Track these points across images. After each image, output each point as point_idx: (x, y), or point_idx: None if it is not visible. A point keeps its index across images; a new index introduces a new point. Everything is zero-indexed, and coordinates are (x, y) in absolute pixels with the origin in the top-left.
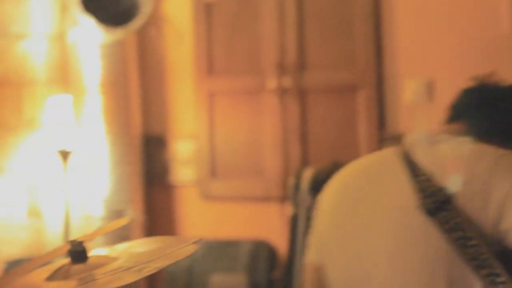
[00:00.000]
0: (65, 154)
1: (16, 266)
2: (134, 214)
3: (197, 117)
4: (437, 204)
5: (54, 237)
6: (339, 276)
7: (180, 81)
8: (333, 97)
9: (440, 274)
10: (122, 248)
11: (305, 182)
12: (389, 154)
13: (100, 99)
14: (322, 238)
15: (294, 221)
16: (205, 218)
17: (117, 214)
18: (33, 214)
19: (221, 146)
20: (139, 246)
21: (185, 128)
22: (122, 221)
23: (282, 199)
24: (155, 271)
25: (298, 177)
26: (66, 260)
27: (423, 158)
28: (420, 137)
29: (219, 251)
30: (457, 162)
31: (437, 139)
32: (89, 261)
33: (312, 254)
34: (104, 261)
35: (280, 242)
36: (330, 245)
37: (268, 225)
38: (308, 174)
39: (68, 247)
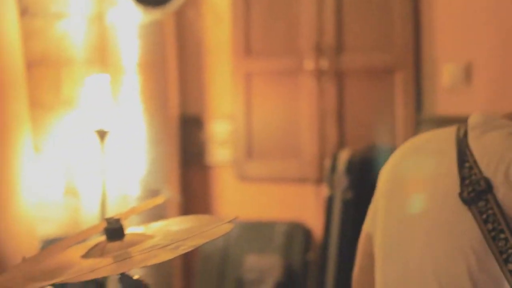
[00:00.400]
0: (102, 134)
1: (52, 244)
2: (170, 194)
3: (234, 98)
4: (475, 194)
5: (90, 216)
6: (379, 248)
7: (218, 61)
8: (371, 79)
9: (470, 264)
10: (158, 226)
11: (341, 164)
12: (446, 135)
13: (138, 79)
14: (375, 209)
15: (330, 203)
16: (240, 199)
17: (153, 194)
18: (69, 193)
19: (258, 127)
20: (175, 224)
21: (222, 109)
22: (158, 200)
23: (318, 180)
24: (190, 249)
25: (335, 158)
26: (102, 238)
27: (472, 144)
28: (477, 120)
29: (254, 232)
30: (502, 152)
31: (494, 124)
32: (125, 238)
33: (366, 223)
34: (140, 239)
35: (315, 223)
36: (378, 217)
37: (304, 207)
38: (344, 156)
39: (104, 224)
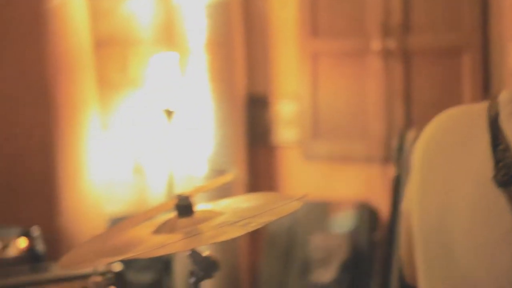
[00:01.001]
0: (169, 113)
1: (119, 223)
2: (236, 173)
3: (300, 78)
4: (509, 177)
5: (156, 195)
6: (418, 229)
7: (284, 41)
8: (438, 59)
9: (508, 249)
10: (226, 203)
11: (408, 144)
12: (478, 112)
13: (205, 59)
14: (412, 188)
15: (396, 183)
16: (306, 179)
17: (219, 173)
18: (136, 172)
19: (324, 107)
20: (244, 201)
21: (288, 89)
22: (227, 177)
23: (385, 160)
24: (260, 226)
25: (402, 138)
26: (173, 214)
27: (505, 124)
28: (509, 98)
29: (320, 212)
30: None
31: None
32: (195, 215)
33: (405, 203)
34: (209, 216)
35: (381, 203)
36: (414, 194)
37: (370, 186)
38: (411, 136)
39: (175, 201)
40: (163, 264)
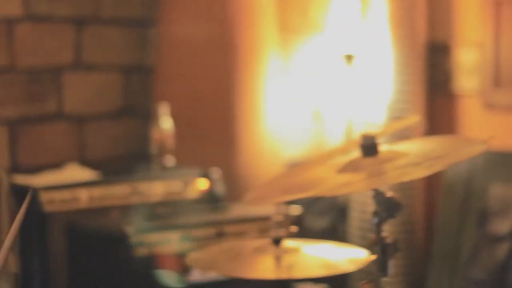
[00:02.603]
0: (349, 58)
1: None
2: (416, 120)
3: (483, 25)
4: None
5: (334, 141)
6: None
7: None
8: None
9: None
10: (410, 145)
11: None
12: None
13: (385, 3)
14: None
15: None
16: (486, 128)
17: (398, 121)
18: (314, 118)
19: (507, 55)
20: (426, 144)
21: (469, 36)
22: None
23: None
24: (444, 167)
25: None
26: (357, 154)
27: None
28: None
29: (500, 162)
30: None
31: None
32: (380, 155)
33: None
34: (393, 156)
35: None
36: None
37: None
38: None
39: (360, 141)
40: (339, 211)
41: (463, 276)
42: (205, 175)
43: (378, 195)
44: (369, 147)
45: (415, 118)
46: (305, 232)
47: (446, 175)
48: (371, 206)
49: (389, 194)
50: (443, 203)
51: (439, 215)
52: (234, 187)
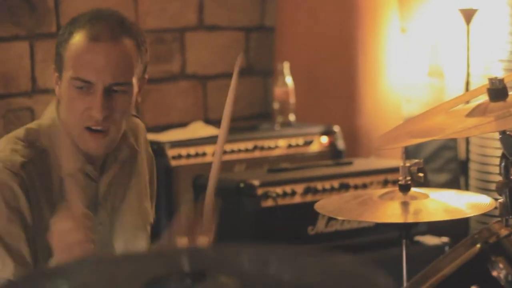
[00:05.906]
0: (468, 13)
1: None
2: None
3: None
4: None
5: (454, 97)
6: None
7: None
8: None
9: None
10: None
11: None
12: None
13: None
14: None
15: None
16: None
17: None
18: (434, 74)
19: None
20: None
21: None
22: None
23: None
24: None
25: None
26: (485, 98)
27: None
28: None
29: None
30: None
31: None
32: (508, 99)
33: None
34: None
35: None
36: None
37: None
38: None
39: (488, 85)
40: (460, 165)
41: None
42: (327, 131)
43: (506, 138)
44: (497, 90)
45: None
46: (427, 185)
47: None
48: (491, 159)
49: None
50: None
51: None
52: (355, 143)
